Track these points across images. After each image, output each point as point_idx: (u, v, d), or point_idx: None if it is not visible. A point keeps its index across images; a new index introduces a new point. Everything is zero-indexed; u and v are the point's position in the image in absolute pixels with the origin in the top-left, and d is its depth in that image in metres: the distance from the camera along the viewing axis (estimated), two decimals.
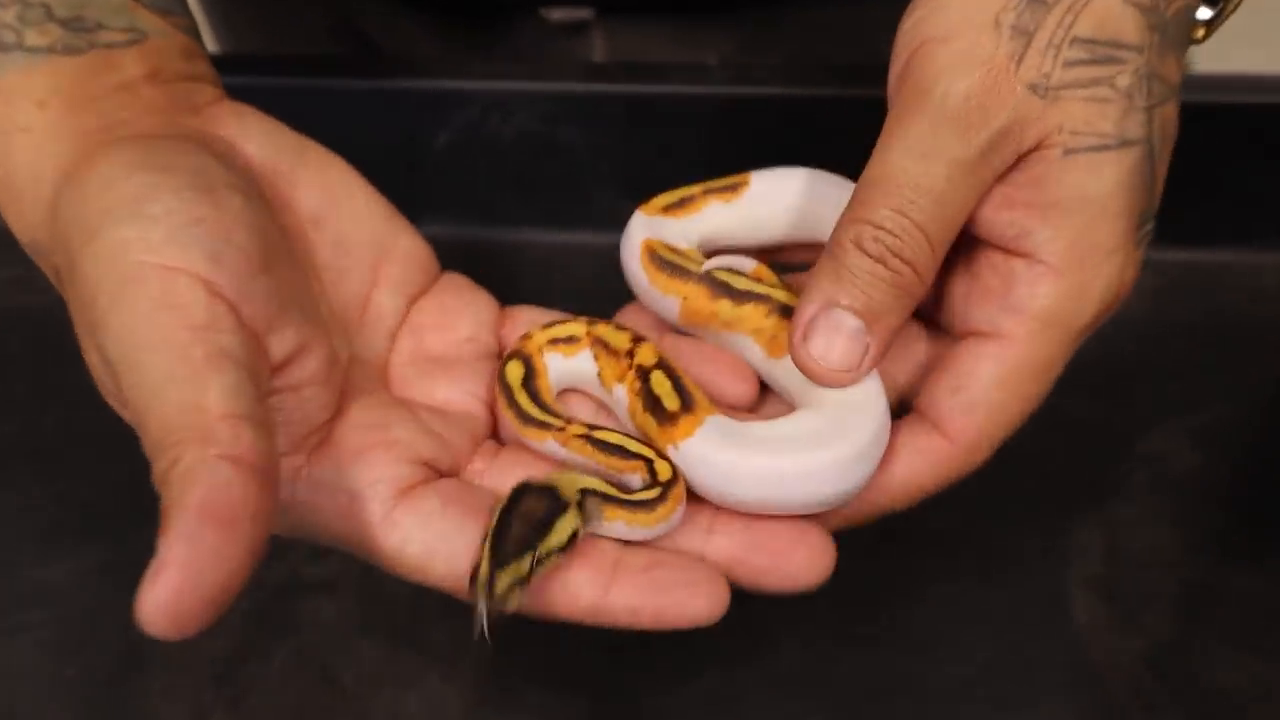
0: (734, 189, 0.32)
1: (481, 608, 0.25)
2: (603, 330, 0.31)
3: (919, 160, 0.26)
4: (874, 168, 0.27)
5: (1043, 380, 0.28)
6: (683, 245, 0.31)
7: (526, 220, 0.45)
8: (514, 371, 0.30)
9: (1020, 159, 0.27)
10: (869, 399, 0.28)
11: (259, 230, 0.27)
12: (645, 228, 0.31)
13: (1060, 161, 0.27)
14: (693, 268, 0.30)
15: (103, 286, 0.25)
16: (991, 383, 0.27)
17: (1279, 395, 0.42)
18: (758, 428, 0.28)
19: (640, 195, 0.42)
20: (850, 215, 0.27)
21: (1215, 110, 0.42)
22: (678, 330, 0.32)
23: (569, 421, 0.30)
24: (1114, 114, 0.27)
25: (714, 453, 0.28)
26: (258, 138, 0.31)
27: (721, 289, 0.30)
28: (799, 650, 0.38)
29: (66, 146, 0.29)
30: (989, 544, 0.40)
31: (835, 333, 0.27)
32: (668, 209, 0.32)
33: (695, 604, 0.26)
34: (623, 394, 0.30)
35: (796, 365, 0.28)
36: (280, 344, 0.26)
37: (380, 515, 0.27)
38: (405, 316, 0.32)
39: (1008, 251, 0.28)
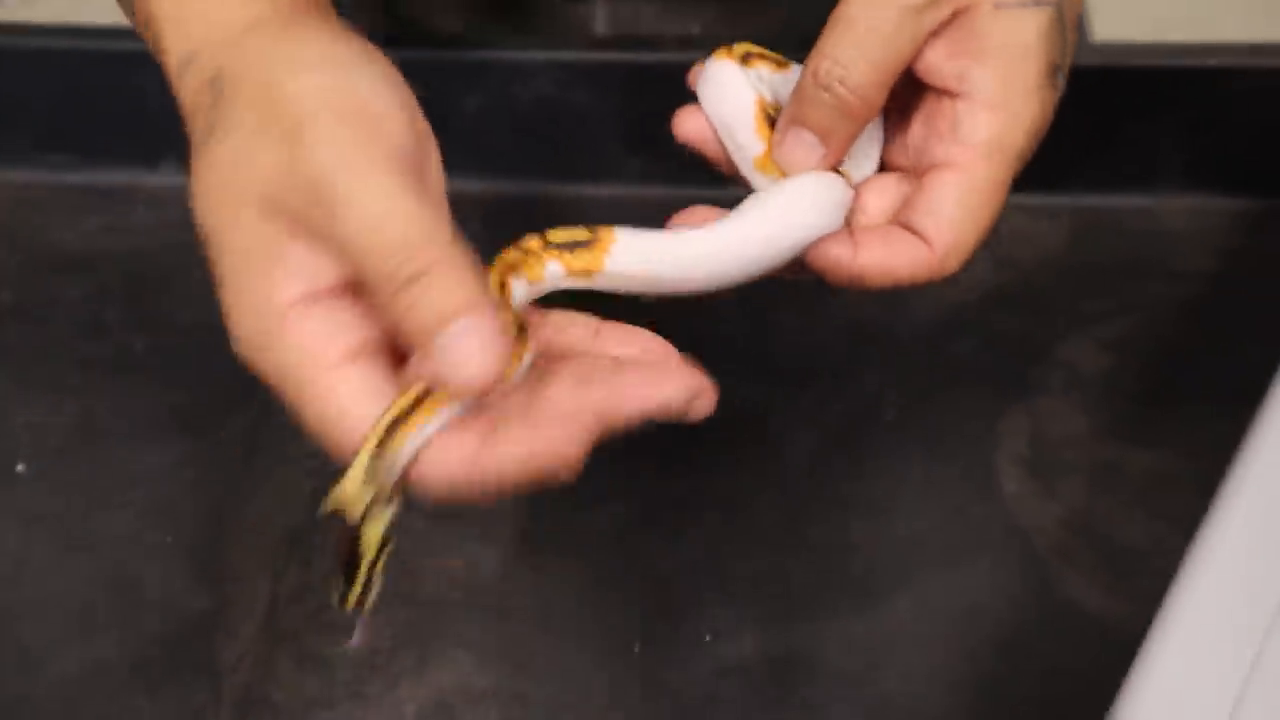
0: (783, 64, 0.37)
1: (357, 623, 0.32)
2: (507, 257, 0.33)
3: (872, 7, 0.33)
4: (837, 12, 0.33)
5: (996, 197, 0.34)
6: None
7: (542, 175, 0.53)
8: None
9: (956, 15, 0.34)
10: (809, 179, 0.34)
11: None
12: (746, 80, 0.36)
13: (991, 15, 0.33)
14: None
15: (318, 115, 0.28)
16: (955, 203, 0.33)
17: (1170, 314, 0.50)
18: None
19: (645, 150, 0.49)
20: (815, 50, 0.34)
21: (1121, 73, 0.50)
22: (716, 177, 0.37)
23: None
24: None
25: (641, 241, 0.33)
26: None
27: None
28: (775, 510, 0.45)
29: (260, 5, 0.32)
30: (933, 431, 0.47)
31: (798, 143, 0.34)
32: (746, 58, 0.37)
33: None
34: (553, 267, 0.33)
35: (776, 162, 0.35)
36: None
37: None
38: None
39: (953, 95, 0.34)
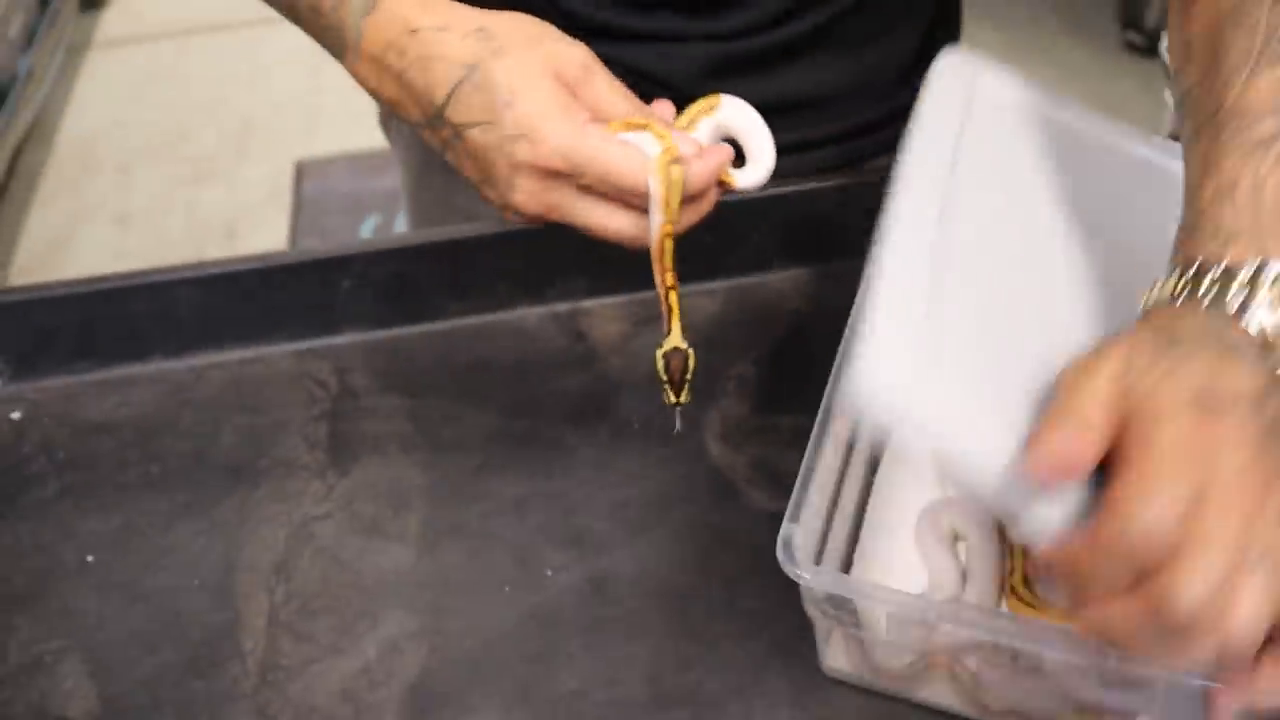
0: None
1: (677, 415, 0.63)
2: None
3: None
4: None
5: None
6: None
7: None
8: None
9: None
10: None
11: None
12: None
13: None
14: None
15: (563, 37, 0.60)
16: None
17: (790, 341, 0.81)
18: None
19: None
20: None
21: (735, 204, 0.83)
22: None
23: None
24: None
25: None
26: None
27: None
28: (583, 490, 0.73)
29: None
30: (662, 431, 0.74)
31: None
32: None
33: None
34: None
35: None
36: None
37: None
38: None
39: None
